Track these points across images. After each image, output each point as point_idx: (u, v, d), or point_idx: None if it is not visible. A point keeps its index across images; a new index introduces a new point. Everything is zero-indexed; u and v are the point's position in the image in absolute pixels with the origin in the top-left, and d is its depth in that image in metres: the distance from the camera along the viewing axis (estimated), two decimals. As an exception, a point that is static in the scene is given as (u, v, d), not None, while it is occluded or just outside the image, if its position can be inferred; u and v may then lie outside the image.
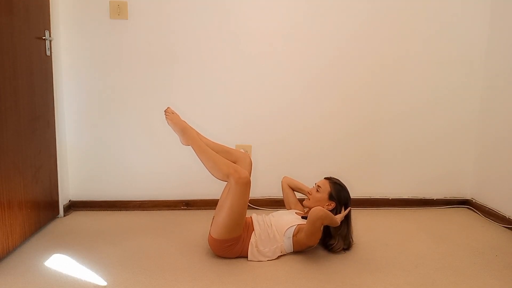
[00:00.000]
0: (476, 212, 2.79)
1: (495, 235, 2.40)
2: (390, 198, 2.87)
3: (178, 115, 2.09)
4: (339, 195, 2.06)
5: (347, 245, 2.09)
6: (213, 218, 2.01)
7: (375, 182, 2.85)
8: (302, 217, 2.07)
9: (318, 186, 2.11)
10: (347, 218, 2.05)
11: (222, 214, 1.89)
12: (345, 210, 2.03)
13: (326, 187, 2.08)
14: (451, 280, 1.85)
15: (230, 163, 1.95)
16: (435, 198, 2.90)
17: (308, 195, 2.16)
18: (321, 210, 1.85)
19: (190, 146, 2.02)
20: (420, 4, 2.64)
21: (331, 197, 2.06)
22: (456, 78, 2.76)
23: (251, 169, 2.13)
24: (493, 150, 2.69)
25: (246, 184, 1.85)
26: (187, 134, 2.03)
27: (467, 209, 2.87)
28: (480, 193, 2.82)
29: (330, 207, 2.04)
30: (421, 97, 2.77)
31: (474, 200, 2.86)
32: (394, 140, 2.81)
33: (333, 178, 2.15)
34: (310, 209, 2.05)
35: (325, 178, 2.15)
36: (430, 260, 2.05)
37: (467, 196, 2.92)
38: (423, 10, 2.65)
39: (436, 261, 2.04)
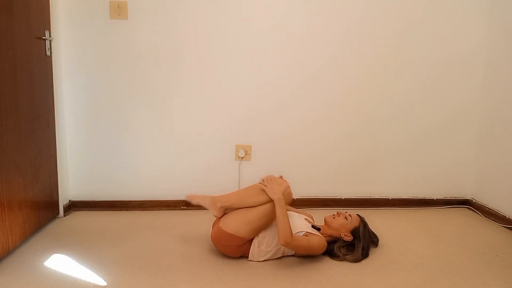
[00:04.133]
0: (476, 212, 2.79)
1: (495, 235, 2.40)
2: (390, 198, 2.87)
3: (198, 195, 2.07)
4: (362, 234, 2.03)
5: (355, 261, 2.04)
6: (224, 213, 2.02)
7: (375, 182, 2.85)
8: (312, 226, 2.06)
9: (349, 215, 2.08)
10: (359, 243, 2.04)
11: (254, 212, 1.90)
12: (362, 252, 2.01)
13: (355, 221, 2.06)
14: (451, 280, 1.85)
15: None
16: (435, 198, 2.90)
17: (336, 214, 2.11)
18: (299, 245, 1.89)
19: (226, 207, 1.99)
20: (417, 1, 2.64)
21: (354, 231, 2.03)
22: (455, 78, 2.76)
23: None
24: (493, 150, 2.69)
25: (291, 198, 1.97)
26: (217, 201, 2.00)
27: (467, 209, 2.87)
28: (480, 193, 2.82)
29: (347, 238, 2.03)
30: (420, 97, 2.77)
31: (474, 200, 2.87)
32: (394, 139, 2.81)
33: (365, 221, 2.12)
34: (327, 223, 2.08)
35: (358, 215, 2.12)
36: (430, 260, 2.05)
37: (467, 196, 2.92)
38: (420, 6, 2.65)
39: (436, 261, 2.04)
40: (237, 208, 1.96)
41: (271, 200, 1.90)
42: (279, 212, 1.86)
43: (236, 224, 1.90)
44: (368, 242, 2.07)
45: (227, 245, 1.94)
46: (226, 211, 2.02)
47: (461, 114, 2.82)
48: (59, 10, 2.40)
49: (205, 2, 2.50)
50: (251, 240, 1.97)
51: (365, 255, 2.03)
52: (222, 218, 1.98)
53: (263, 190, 1.93)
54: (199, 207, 2.69)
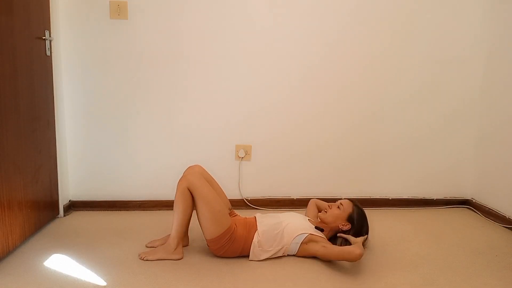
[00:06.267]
0: (476, 212, 2.79)
1: (495, 235, 2.40)
2: (390, 198, 2.87)
3: (152, 251, 2.00)
4: (358, 219, 2.04)
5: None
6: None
7: (375, 182, 2.85)
8: (316, 227, 2.05)
9: (340, 203, 2.09)
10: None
11: (203, 214, 1.91)
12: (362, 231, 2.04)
13: (348, 208, 2.06)
14: (451, 280, 1.85)
15: (179, 183, 1.97)
16: (435, 198, 2.90)
17: (327, 208, 2.12)
18: (358, 255, 1.83)
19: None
20: None
21: (350, 218, 2.04)
22: (455, 77, 2.76)
23: (200, 169, 2.14)
24: (493, 150, 2.69)
25: (194, 179, 1.93)
26: (169, 248, 1.98)
27: (467, 209, 2.87)
28: (480, 193, 2.82)
29: (345, 228, 2.03)
30: (419, 96, 2.76)
31: (474, 200, 2.86)
32: (394, 139, 2.81)
33: (357, 203, 2.13)
34: (322, 221, 2.08)
35: (349, 199, 2.13)
36: (430, 260, 2.05)
37: (467, 196, 2.92)
38: (419, 5, 2.65)
39: (436, 261, 2.04)
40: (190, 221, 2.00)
41: (190, 194, 1.92)
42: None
43: (210, 227, 1.91)
44: (364, 225, 2.06)
45: (221, 247, 1.94)
46: (183, 242, 2.04)
47: (461, 114, 2.82)
48: (59, 10, 2.40)
49: (205, 3, 2.50)
50: (250, 238, 1.97)
51: (366, 232, 2.06)
52: (202, 231, 1.97)
53: (183, 193, 1.92)
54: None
